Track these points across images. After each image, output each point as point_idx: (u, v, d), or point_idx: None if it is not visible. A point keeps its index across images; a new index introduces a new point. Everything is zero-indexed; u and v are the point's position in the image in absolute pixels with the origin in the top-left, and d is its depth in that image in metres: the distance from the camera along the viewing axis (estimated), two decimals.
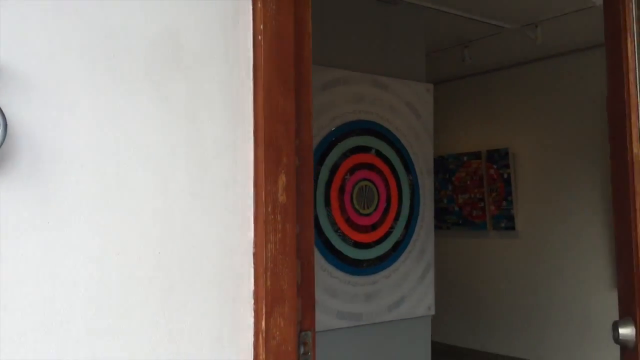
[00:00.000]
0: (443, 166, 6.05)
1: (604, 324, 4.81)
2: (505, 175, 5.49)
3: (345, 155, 3.53)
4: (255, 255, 0.99)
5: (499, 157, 5.56)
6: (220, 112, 0.97)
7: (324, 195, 3.43)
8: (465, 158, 5.87)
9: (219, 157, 0.97)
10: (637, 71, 1.13)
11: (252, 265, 0.99)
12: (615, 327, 1.11)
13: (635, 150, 1.13)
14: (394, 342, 3.68)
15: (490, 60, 5.54)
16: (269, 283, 0.98)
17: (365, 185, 3.62)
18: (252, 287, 0.99)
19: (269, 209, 0.99)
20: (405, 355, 3.76)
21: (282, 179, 1.00)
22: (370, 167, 3.64)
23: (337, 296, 3.48)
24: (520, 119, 5.49)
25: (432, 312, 3.85)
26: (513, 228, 5.44)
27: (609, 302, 4.76)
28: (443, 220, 6.05)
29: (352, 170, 3.56)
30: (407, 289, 3.74)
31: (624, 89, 1.12)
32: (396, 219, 3.70)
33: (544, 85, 5.30)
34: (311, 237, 1.04)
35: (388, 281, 3.64)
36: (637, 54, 1.13)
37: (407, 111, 3.83)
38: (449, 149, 6.08)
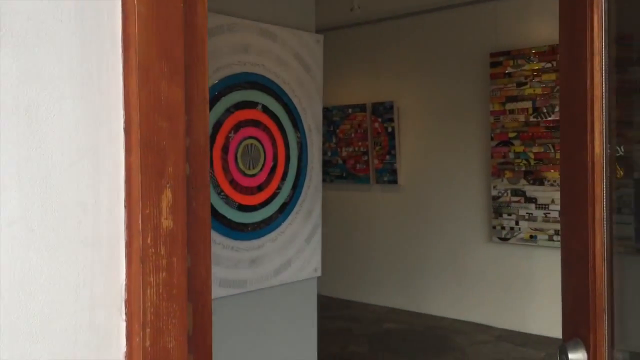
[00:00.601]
0: (327, 118, 5.88)
1: (482, 274, 5.02)
2: (390, 129, 5.43)
3: (229, 111, 3.21)
4: (128, 305, 0.71)
5: (384, 111, 5.47)
6: (70, 103, 0.65)
7: None
8: (350, 110, 5.72)
9: (70, 169, 0.66)
10: (604, 54, 0.95)
11: (124, 319, 0.70)
12: (563, 351, 0.97)
13: (597, 149, 0.97)
14: (281, 306, 3.53)
15: (380, 9, 5.35)
16: (148, 343, 0.70)
17: (251, 144, 3.35)
18: (123, 349, 0.71)
19: (149, 240, 0.70)
20: (291, 319, 3.63)
21: (167, 196, 0.72)
22: (256, 124, 3.36)
23: (220, 263, 3.23)
24: (407, 72, 5.41)
25: (319, 273, 3.73)
26: (396, 182, 5.43)
27: (485, 254, 4.91)
28: (326, 173, 5.93)
29: (236, 128, 3.26)
30: (294, 252, 3.57)
31: (585, 75, 0.94)
32: (283, 179, 3.48)
33: (433, 39, 5.22)
34: (208, 271, 0.77)
35: (274, 245, 3.44)
36: (606, 28, 0.94)
37: (295, 64, 3.55)
38: (334, 101, 5.90)
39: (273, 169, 3.43)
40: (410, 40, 5.36)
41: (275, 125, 3.45)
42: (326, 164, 5.91)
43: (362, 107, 5.63)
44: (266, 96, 3.41)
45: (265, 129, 3.40)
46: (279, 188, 3.48)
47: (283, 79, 3.49)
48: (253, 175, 3.37)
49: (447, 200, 5.14)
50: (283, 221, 3.52)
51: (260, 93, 3.39)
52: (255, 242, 3.36)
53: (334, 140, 5.86)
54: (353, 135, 5.70)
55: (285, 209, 3.53)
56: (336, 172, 5.85)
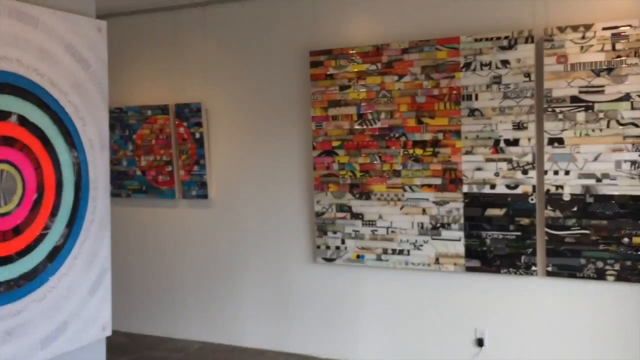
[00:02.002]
0: (121, 121, 4.92)
1: (307, 299, 4.51)
2: (198, 135, 4.66)
3: None
4: None
5: (190, 114, 4.68)
6: None
7: None
8: (149, 112, 4.84)
9: None
10: None
11: None
12: None
13: None
14: None
15: None
16: None
17: (2, 171, 2.39)
18: None
19: None
20: None
21: None
22: (10, 142, 2.41)
23: None
24: (217, 69, 4.67)
25: (108, 332, 2.88)
26: (206, 196, 4.69)
27: (310, 276, 4.40)
28: (122, 186, 4.98)
29: None
30: (72, 310, 2.68)
31: None
32: (53, 215, 2.56)
33: (246, 32, 4.54)
34: None
35: (41, 306, 2.52)
36: None
37: (68, 58, 2.65)
38: (129, 100, 4.96)
39: (37, 202, 2.48)
40: (220, 31, 4.62)
41: (39, 143, 2.50)
42: (121, 176, 4.95)
43: (163, 109, 4.78)
44: (24, 103, 2.45)
45: (24, 149, 2.45)
46: (46, 228, 2.54)
47: (50, 79, 2.56)
48: (6, 214, 2.39)
49: (266, 218, 4.53)
50: (54, 272, 2.59)
51: (15, 99, 2.41)
52: (10, 307, 2.41)
53: (131, 147, 4.92)
54: (154, 141, 4.83)
55: (57, 255, 2.61)
56: (134, 185, 4.93)
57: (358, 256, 4.15)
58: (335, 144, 4.16)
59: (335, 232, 4.21)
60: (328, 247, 4.25)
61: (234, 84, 4.59)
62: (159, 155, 4.82)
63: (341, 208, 4.18)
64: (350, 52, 4.08)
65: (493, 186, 3.73)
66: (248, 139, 4.57)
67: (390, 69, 3.97)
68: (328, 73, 4.16)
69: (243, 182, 4.60)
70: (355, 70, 4.07)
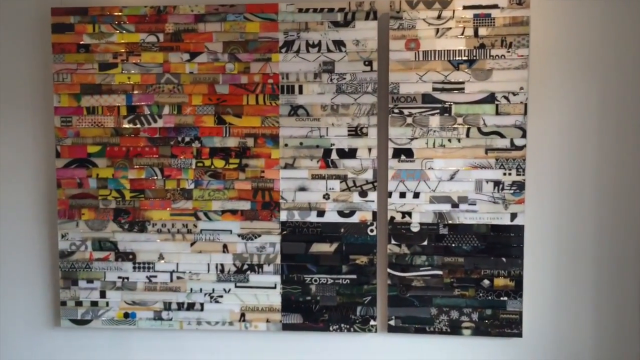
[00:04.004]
0: None
1: None
2: None
3: None
4: None
5: None
6: None
7: None
8: None
9: None
10: None
11: None
12: None
13: None
14: None
15: None
16: None
17: None
18: None
19: None
20: None
21: None
22: None
23: None
24: None
25: None
26: None
27: (50, 347, 2.93)
28: None
29: None
30: None
31: None
32: None
33: None
34: None
35: None
36: None
37: None
38: None
39: None
40: None
41: None
42: None
43: None
44: None
45: None
46: None
47: None
48: None
49: None
50: None
51: None
52: None
53: None
54: None
55: None
56: None
57: (126, 314, 2.82)
58: (93, 149, 2.79)
59: (91, 281, 2.82)
60: (79, 304, 2.84)
61: None
62: None
63: (101, 245, 2.81)
64: (118, 13, 2.75)
65: (321, 213, 2.72)
66: None
67: (179, 42, 2.74)
68: (81, 43, 2.77)
69: None
70: (124, 41, 2.75)
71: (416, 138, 2.65)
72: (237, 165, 2.74)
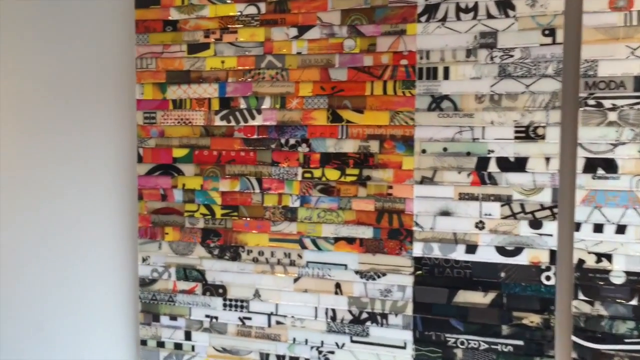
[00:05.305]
0: None
1: None
2: None
3: None
4: None
5: None
6: None
7: None
8: None
9: None
10: None
11: None
12: None
13: None
14: None
15: None
16: None
17: None
18: None
19: None
20: None
21: None
22: None
23: None
24: None
25: None
26: None
27: None
28: None
29: None
30: None
31: None
32: None
33: None
34: None
35: None
36: None
37: None
38: None
39: None
40: None
41: None
42: None
43: None
44: None
45: None
46: None
47: None
48: None
49: (48, 286, 2.50)
50: None
51: None
52: None
53: None
54: None
55: None
56: None
57: None
58: (179, 153, 2.22)
59: (174, 318, 2.26)
60: (161, 345, 2.28)
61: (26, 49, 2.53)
62: None
63: (186, 273, 2.23)
64: None
65: (472, 248, 1.91)
66: (35, 139, 2.53)
67: (284, 14, 2.07)
68: (168, 19, 2.21)
69: (5, 219, 2.55)
70: (218, 15, 2.15)
71: (623, 143, 1.75)
72: (357, 178, 2.01)
